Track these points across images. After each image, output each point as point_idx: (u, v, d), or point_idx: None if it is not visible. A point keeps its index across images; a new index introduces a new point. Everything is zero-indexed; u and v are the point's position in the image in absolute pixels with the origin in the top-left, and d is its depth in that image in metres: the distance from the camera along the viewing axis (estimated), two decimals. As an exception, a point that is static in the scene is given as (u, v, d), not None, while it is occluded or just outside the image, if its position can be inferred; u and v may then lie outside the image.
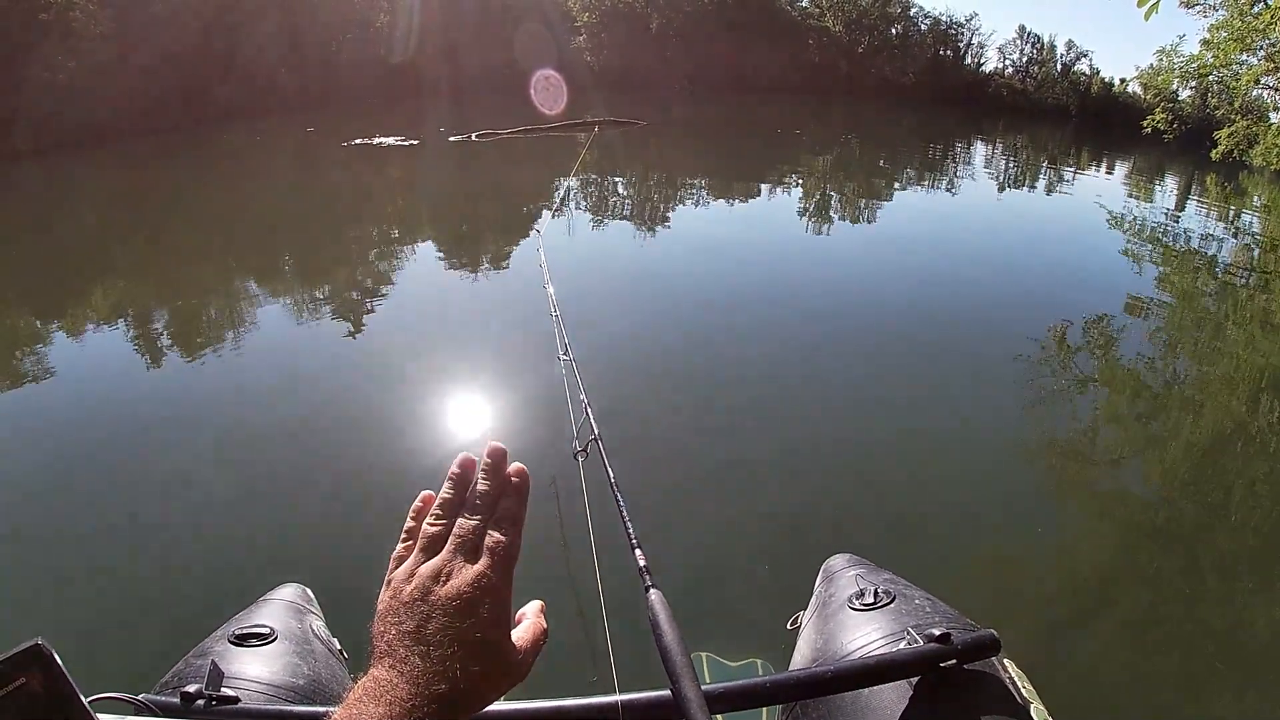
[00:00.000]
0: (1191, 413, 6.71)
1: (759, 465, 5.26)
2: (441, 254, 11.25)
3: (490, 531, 0.72)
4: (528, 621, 0.78)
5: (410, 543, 0.74)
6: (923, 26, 56.58)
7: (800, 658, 1.61)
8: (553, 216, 12.86)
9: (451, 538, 0.72)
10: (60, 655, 0.68)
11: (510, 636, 0.72)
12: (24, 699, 0.65)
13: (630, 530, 1.55)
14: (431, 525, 0.73)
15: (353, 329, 7.84)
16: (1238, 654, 3.75)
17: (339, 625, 1.77)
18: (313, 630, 1.60)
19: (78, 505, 4.77)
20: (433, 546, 0.72)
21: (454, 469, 0.76)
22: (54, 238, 12.50)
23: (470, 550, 0.71)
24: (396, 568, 0.72)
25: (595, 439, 2.25)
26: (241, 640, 1.45)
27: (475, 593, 0.68)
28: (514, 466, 0.76)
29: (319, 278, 9.96)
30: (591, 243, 11.88)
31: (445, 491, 0.75)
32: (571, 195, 15.50)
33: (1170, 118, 30.49)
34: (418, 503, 0.77)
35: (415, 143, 22.06)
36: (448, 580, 0.69)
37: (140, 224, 13.40)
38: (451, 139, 22.63)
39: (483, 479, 0.75)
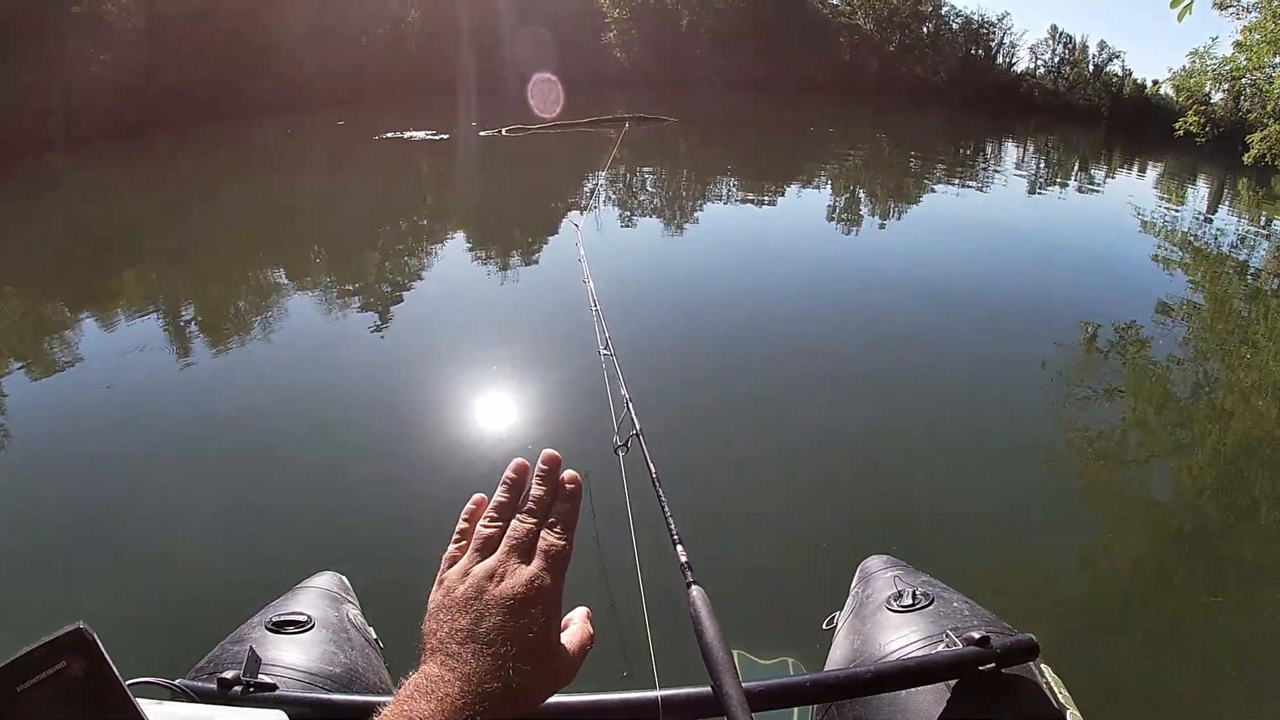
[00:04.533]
0: (1220, 420, 6.62)
1: (795, 464, 5.27)
2: (476, 248, 11.31)
3: (544, 534, 0.74)
4: (575, 626, 0.79)
5: (463, 544, 0.76)
6: (954, 25, 56.12)
7: (836, 658, 1.60)
8: (586, 212, 12.90)
9: (506, 539, 0.73)
10: (99, 638, 0.67)
11: (559, 641, 0.73)
12: (65, 682, 0.64)
13: (672, 526, 1.54)
14: (486, 527, 0.75)
15: (390, 322, 7.91)
16: (1265, 668, 3.69)
17: (374, 614, 1.76)
18: (349, 619, 1.59)
19: (118, 491, 4.86)
20: (487, 547, 0.74)
21: (509, 474, 0.78)
22: (86, 229, 12.65)
23: (524, 552, 0.72)
24: (449, 568, 0.74)
25: (636, 434, 2.22)
26: (279, 627, 1.45)
27: (529, 593, 0.69)
28: (568, 474, 0.79)
29: (360, 271, 10.03)
30: (626, 238, 11.92)
31: (500, 495, 0.77)
32: (604, 191, 15.53)
33: (1202, 120, 30.00)
34: (470, 505, 0.79)
35: (446, 137, 22.15)
36: (502, 580, 0.70)
37: (172, 216, 13.52)
38: (482, 134, 22.72)
39: (537, 483, 0.77)
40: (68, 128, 20.66)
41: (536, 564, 0.72)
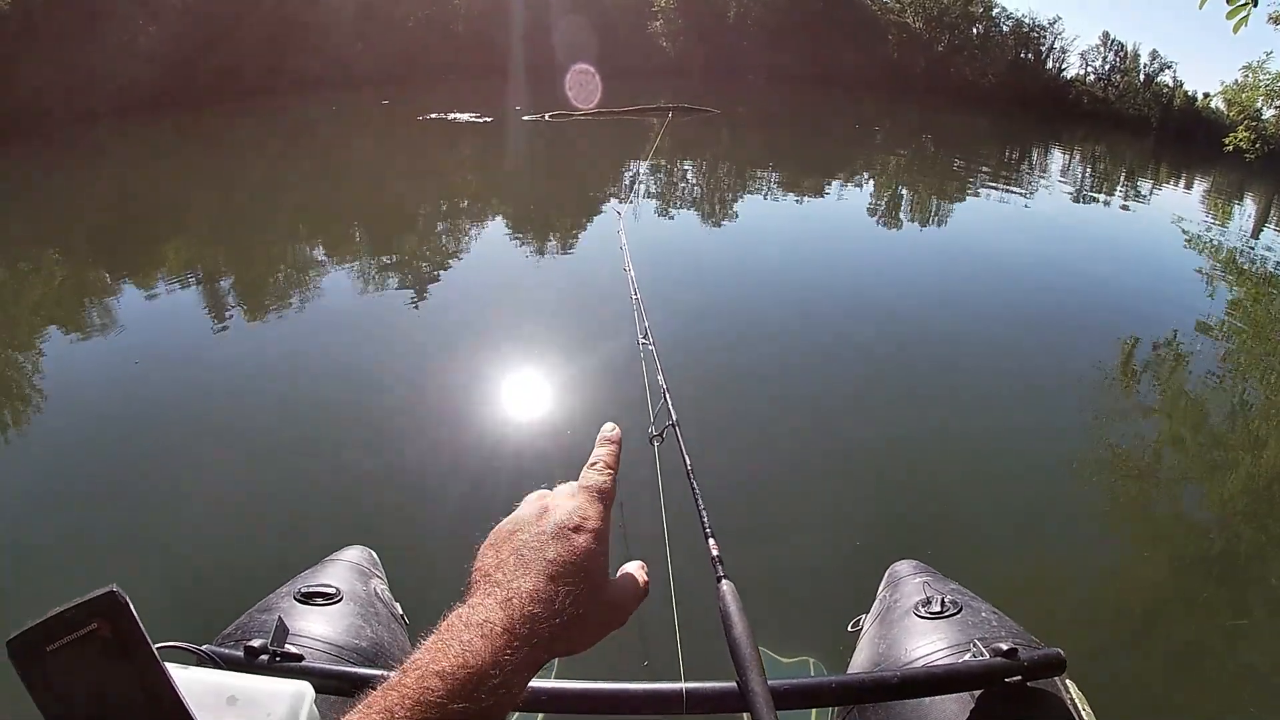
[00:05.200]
0: (1254, 445, 6.52)
1: (827, 463, 5.28)
2: (517, 232, 11.36)
3: (585, 472, 0.76)
4: (629, 575, 0.78)
5: None
6: (1004, 27, 55.39)
7: (861, 661, 1.61)
8: (628, 201, 12.89)
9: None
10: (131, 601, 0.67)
11: (607, 575, 0.72)
12: (94, 644, 0.64)
13: (705, 519, 1.53)
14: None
15: (427, 301, 7.97)
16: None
17: (401, 590, 1.77)
18: (377, 593, 1.61)
19: (154, 458, 4.93)
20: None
21: None
22: (129, 199, 12.80)
23: (566, 494, 0.74)
24: (500, 523, 0.74)
25: (672, 425, 2.21)
26: (307, 598, 1.46)
27: (572, 519, 0.69)
28: (608, 424, 0.82)
29: (399, 250, 10.12)
30: (666, 228, 11.96)
31: None
32: (646, 180, 15.53)
33: (1253, 136, 29.51)
34: None
35: (490, 120, 22.22)
36: (545, 514, 0.70)
37: (214, 189, 13.64)
38: (525, 118, 22.78)
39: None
40: (115, 99, 20.88)
41: (580, 497, 0.72)
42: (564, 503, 0.71)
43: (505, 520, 0.73)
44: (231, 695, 0.94)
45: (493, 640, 0.59)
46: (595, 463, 0.77)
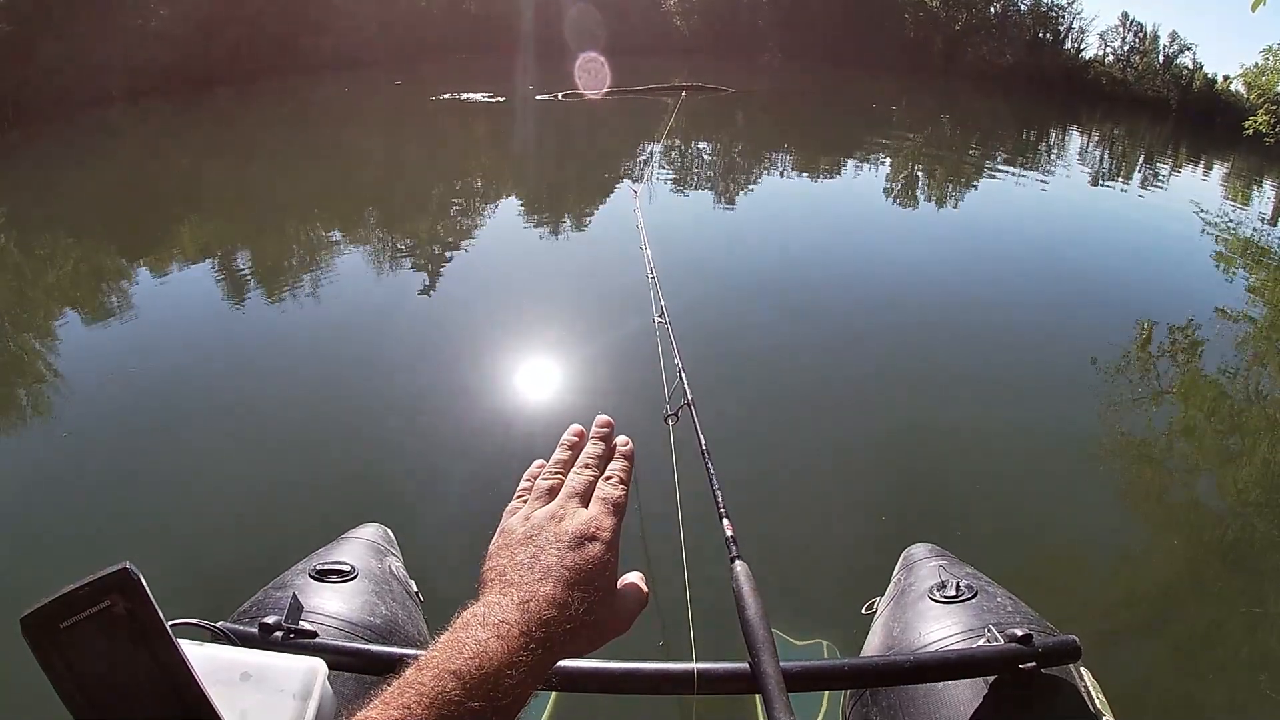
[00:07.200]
0: (1271, 432, 6.46)
1: (843, 445, 5.24)
2: (531, 211, 11.35)
3: (601, 485, 0.77)
4: (630, 583, 0.79)
5: (525, 498, 0.78)
6: (1022, 7, 54.91)
7: (874, 644, 1.60)
8: (642, 180, 12.86)
9: (565, 488, 0.77)
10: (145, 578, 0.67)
11: (616, 583, 0.74)
12: (108, 620, 0.64)
13: (719, 499, 1.53)
14: (546, 479, 0.79)
15: (442, 282, 7.99)
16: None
17: (416, 568, 1.77)
18: (391, 571, 1.61)
19: (170, 436, 4.94)
20: (548, 497, 0.77)
21: (567, 437, 0.86)
22: (144, 181, 12.84)
23: (583, 499, 0.76)
24: (510, 517, 0.76)
25: (688, 404, 2.21)
26: (322, 575, 1.47)
27: (589, 529, 0.72)
28: (621, 437, 0.85)
29: (413, 230, 10.12)
30: (680, 208, 11.89)
31: (559, 454, 0.83)
32: (660, 160, 15.47)
33: (1273, 120, 29.23)
34: (532, 467, 0.83)
35: (502, 100, 22.19)
36: (563, 520, 0.73)
37: (228, 171, 13.65)
38: (538, 98, 22.74)
39: (593, 442, 0.83)
40: (128, 82, 20.87)
41: (595, 508, 0.75)
42: (580, 512, 0.74)
43: (514, 520, 0.75)
44: (245, 671, 0.94)
45: (509, 641, 0.60)
46: (611, 476, 0.79)
